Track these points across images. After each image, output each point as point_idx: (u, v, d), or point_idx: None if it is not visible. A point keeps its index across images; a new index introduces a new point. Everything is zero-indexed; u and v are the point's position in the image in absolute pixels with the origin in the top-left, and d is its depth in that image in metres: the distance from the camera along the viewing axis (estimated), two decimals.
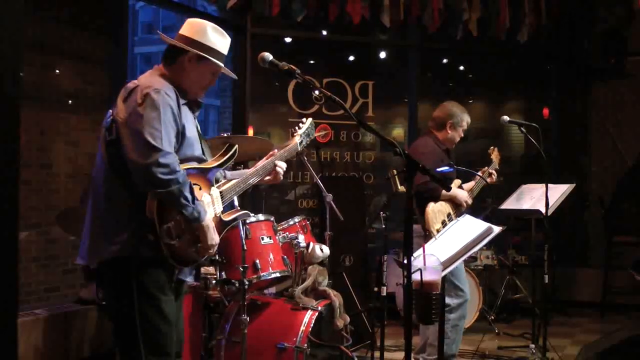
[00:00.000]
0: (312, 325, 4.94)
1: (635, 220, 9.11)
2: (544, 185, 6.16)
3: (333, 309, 5.30)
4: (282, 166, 4.25)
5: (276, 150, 4.29)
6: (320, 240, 5.85)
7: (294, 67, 3.70)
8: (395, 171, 5.04)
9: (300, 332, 4.89)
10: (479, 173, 6.11)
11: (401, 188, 5.07)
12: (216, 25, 3.92)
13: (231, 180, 4.05)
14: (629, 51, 9.72)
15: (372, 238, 8.92)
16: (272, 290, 5.61)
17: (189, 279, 3.93)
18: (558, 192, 6.43)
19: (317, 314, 5.03)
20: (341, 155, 9.15)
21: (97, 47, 7.77)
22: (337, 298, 5.36)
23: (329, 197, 5.70)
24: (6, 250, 4.72)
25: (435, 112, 6.19)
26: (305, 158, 5.52)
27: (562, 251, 9.60)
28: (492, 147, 6.44)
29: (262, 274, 4.99)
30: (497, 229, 4.67)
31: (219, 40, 3.90)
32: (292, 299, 5.17)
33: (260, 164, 4.21)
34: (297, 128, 4.57)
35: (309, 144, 4.59)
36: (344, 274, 6.86)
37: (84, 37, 7.61)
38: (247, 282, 4.86)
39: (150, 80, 3.70)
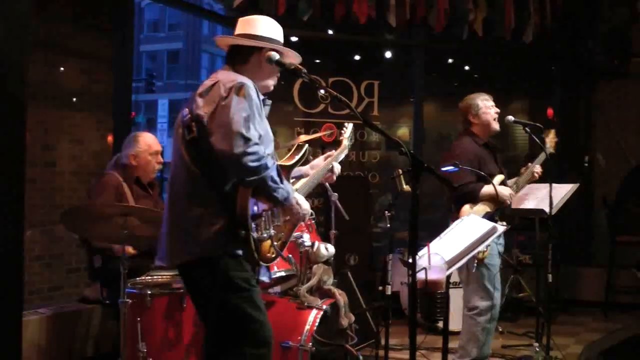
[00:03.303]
0: (316, 324, 4.92)
1: (639, 220, 9.09)
2: (548, 184, 6.16)
3: (338, 307, 5.30)
4: (337, 167, 4.45)
5: (334, 152, 4.47)
6: (326, 239, 5.85)
7: (300, 66, 3.75)
8: (400, 171, 5.05)
9: (305, 331, 4.87)
10: (522, 169, 6.07)
11: (406, 187, 5.09)
12: (266, 17, 4.01)
13: (301, 178, 4.22)
14: (633, 52, 9.72)
15: (377, 237, 8.92)
16: (277, 289, 5.61)
17: (265, 279, 4.09)
18: (562, 191, 6.42)
19: (321, 313, 5.01)
20: (347, 154, 9.14)
21: (102, 45, 7.78)
22: (341, 297, 5.36)
23: (334, 196, 5.71)
24: (12, 250, 4.71)
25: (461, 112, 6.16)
26: (312, 157, 5.53)
27: (566, 250, 9.60)
28: (547, 130, 6.32)
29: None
30: (501, 228, 4.68)
31: (277, 30, 4.01)
32: (297, 298, 5.16)
33: (322, 164, 4.41)
34: (342, 132, 4.85)
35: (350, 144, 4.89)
36: (349, 273, 6.86)
37: (89, 35, 7.62)
38: None
39: (231, 75, 3.74)
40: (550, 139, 6.30)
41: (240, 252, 3.64)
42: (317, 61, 9.72)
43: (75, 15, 7.45)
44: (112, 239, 4.98)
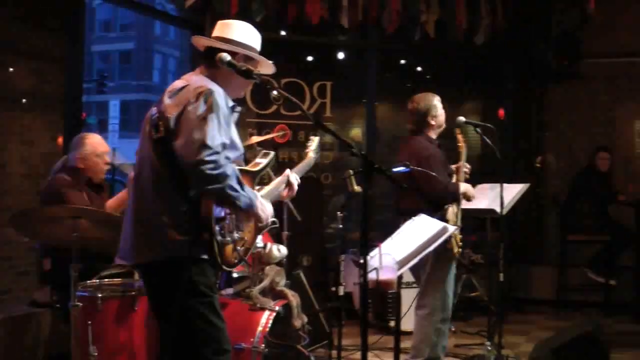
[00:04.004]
0: (269, 325, 4.91)
1: (589, 219, 9.22)
2: (499, 185, 6.21)
3: (290, 309, 5.29)
4: (294, 178, 4.33)
5: (288, 170, 4.36)
6: (278, 240, 5.85)
7: (251, 67, 3.74)
8: (351, 171, 5.07)
9: (257, 332, 4.86)
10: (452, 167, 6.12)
11: (357, 188, 5.10)
12: (246, 23, 4.00)
13: (264, 187, 4.16)
14: (583, 54, 9.84)
15: (330, 238, 8.93)
16: (230, 291, 5.60)
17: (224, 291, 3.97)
18: (513, 191, 6.49)
19: (274, 314, 5.00)
20: (299, 155, 9.15)
21: (53, 45, 7.67)
22: (294, 298, 5.36)
23: None
24: None
25: (411, 113, 6.14)
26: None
27: (518, 250, 9.71)
28: (457, 132, 6.33)
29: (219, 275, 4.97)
30: (452, 228, 4.71)
31: (255, 37, 4.01)
32: (249, 300, 5.13)
33: (280, 179, 4.32)
34: (307, 145, 4.81)
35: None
36: (302, 274, 6.85)
37: (40, 35, 7.51)
38: None
39: (201, 80, 3.73)
40: (461, 144, 6.29)
41: (204, 256, 3.62)
42: (270, 62, 9.68)
43: (25, 15, 7.34)
44: (63, 241, 4.92)
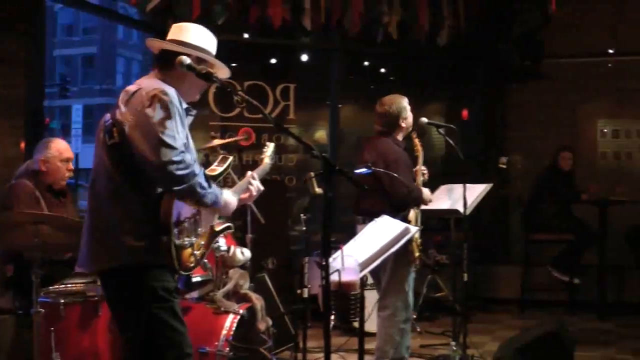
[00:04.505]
0: (233, 329, 4.91)
1: (553, 219, 9.29)
2: (462, 185, 6.24)
3: (255, 312, 5.30)
4: (256, 184, 4.27)
5: (249, 173, 4.32)
6: (242, 243, 5.83)
7: (211, 70, 3.73)
8: (312, 174, 5.07)
9: (222, 336, 4.85)
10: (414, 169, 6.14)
11: (318, 190, 5.11)
12: (201, 26, 3.97)
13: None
14: (546, 54, 9.92)
15: (295, 240, 8.92)
16: (194, 294, 5.57)
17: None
18: (476, 191, 6.53)
19: (238, 317, 5.00)
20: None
21: (15, 49, 7.59)
22: (258, 301, 5.36)
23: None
24: None
25: (381, 115, 6.10)
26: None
27: (483, 249, 9.76)
28: (414, 136, 6.35)
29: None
30: (414, 229, 4.72)
31: (210, 40, 3.97)
32: (213, 303, 5.12)
33: (242, 181, 4.28)
34: (263, 151, 4.72)
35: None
36: (267, 277, 6.85)
37: (1, 39, 7.45)
38: None
39: (154, 83, 3.69)
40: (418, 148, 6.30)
41: (161, 260, 3.60)
42: (233, 65, 9.65)
43: None
44: (25, 247, 4.88)
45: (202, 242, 3.89)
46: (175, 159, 3.43)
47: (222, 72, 3.99)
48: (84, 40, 44.54)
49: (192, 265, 3.77)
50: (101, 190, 3.66)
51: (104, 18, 12.11)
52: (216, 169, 4.13)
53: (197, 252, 3.79)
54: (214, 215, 3.94)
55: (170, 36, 3.93)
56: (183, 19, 7.79)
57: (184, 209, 3.67)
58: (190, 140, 3.77)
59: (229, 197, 3.88)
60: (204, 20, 7.94)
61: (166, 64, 3.79)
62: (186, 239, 3.68)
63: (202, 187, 3.57)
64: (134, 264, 3.58)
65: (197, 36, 3.92)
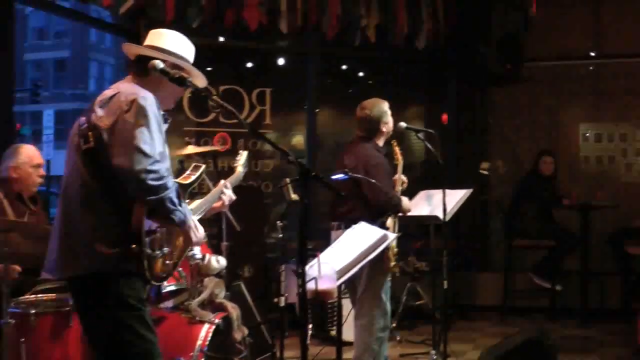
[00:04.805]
0: (209, 338, 4.84)
1: (533, 224, 9.23)
2: (441, 190, 6.16)
3: (230, 321, 5.23)
4: (229, 193, 4.34)
5: (222, 182, 4.38)
6: (217, 251, 5.76)
7: (184, 74, 3.68)
8: (287, 180, 5.00)
9: (197, 346, 4.77)
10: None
11: (294, 197, 5.04)
12: (179, 33, 3.94)
13: (194, 200, 4.11)
14: (525, 57, 9.88)
15: (272, 248, 8.80)
16: (168, 304, 5.48)
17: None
18: (456, 197, 6.45)
19: (214, 327, 4.93)
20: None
21: None
22: (234, 310, 5.31)
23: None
24: None
25: (362, 120, 6.06)
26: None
27: (463, 256, 9.70)
28: (394, 144, 6.26)
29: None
30: (392, 236, 4.65)
31: (188, 48, 3.95)
32: (188, 313, 5.04)
33: (215, 189, 4.35)
34: (236, 159, 4.84)
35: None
36: (243, 285, 6.75)
37: None
38: None
39: (132, 87, 3.64)
40: (398, 156, 6.22)
41: (132, 268, 3.53)
42: (209, 69, 9.54)
43: None
44: None
45: (174, 253, 3.82)
46: (150, 167, 3.37)
47: (199, 80, 3.96)
48: (56, 44, 44.31)
49: (164, 275, 3.73)
50: (73, 196, 3.60)
51: (76, 21, 11.95)
52: (189, 176, 4.06)
53: (169, 262, 3.73)
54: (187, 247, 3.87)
55: (147, 42, 3.92)
56: (156, 21, 7.73)
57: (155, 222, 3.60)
58: (166, 148, 3.70)
59: (198, 224, 3.81)
60: (178, 23, 7.84)
61: (142, 70, 3.76)
62: (158, 249, 3.61)
63: (173, 203, 3.50)
64: (105, 272, 3.52)
65: (174, 43, 3.90)
